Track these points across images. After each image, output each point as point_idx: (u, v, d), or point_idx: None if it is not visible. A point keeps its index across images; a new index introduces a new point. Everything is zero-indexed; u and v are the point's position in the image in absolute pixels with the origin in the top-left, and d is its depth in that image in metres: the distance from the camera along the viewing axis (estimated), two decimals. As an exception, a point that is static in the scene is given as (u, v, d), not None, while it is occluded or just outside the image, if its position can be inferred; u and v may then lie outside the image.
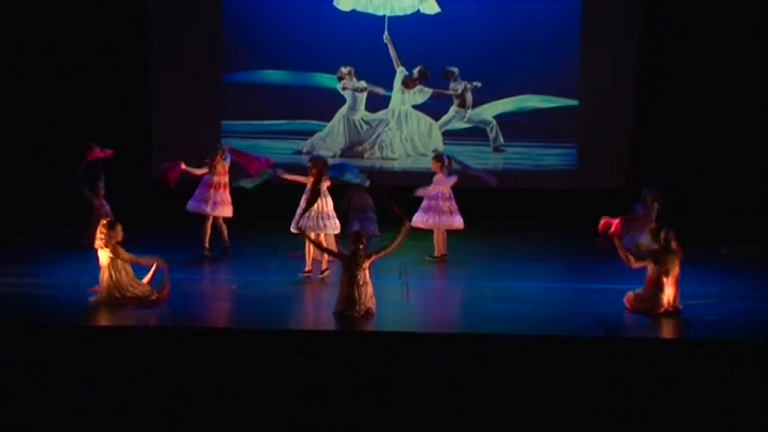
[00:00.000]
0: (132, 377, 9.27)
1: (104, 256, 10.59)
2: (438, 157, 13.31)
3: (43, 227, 14.66)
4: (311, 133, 16.23)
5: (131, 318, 10.35)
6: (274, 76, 16.10)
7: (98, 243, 10.61)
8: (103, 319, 10.35)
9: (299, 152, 16.14)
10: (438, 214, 13.09)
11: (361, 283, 10.34)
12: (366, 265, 10.39)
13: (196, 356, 9.46)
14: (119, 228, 10.66)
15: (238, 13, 15.90)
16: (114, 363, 9.40)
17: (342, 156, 16.05)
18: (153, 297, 10.69)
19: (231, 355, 9.51)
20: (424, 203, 13.16)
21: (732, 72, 15.40)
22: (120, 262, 10.58)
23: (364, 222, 14.05)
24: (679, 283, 10.59)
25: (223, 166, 13.06)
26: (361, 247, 10.44)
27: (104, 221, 10.81)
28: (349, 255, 10.48)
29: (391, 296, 11.37)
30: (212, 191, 12.95)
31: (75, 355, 9.46)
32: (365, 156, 16.08)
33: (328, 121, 16.21)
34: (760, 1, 15.20)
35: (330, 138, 16.20)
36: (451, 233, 13.34)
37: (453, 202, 13.17)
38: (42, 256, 12.97)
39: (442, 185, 13.04)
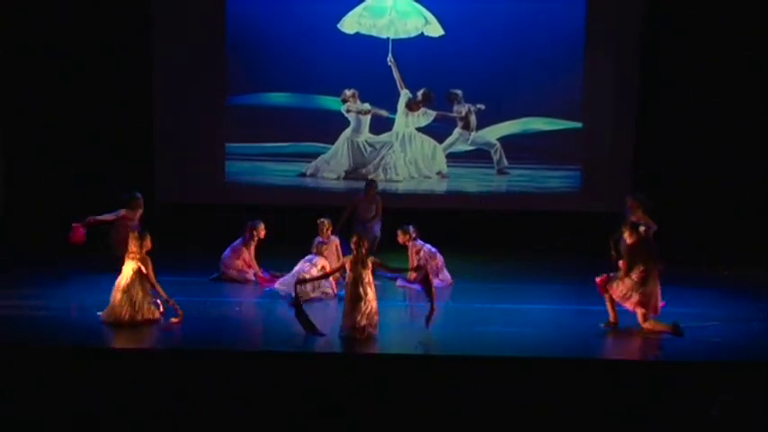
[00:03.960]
0: (135, 398, 9.26)
1: (130, 267, 10.68)
2: (403, 230, 13.21)
3: (45, 249, 14.72)
4: (315, 155, 16.27)
5: (135, 340, 10.36)
6: (278, 98, 16.15)
7: (129, 255, 10.73)
8: (107, 342, 10.34)
9: (303, 174, 16.18)
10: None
11: (366, 281, 10.49)
12: (370, 264, 10.54)
13: (198, 379, 9.46)
14: (148, 238, 10.86)
15: (242, 36, 15.96)
16: (118, 384, 9.39)
17: (345, 178, 16.09)
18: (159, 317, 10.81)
19: (234, 376, 9.50)
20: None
21: (735, 94, 15.42)
22: (139, 280, 10.63)
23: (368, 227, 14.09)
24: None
25: None
26: (364, 250, 10.59)
27: (135, 233, 10.95)
28: (353, 256, 10.61)
29: (395, 319, 11.37)
30: None
31: (79, 377, 9.46)
32: (369, 178, 16.11)
33: (332, 143, 16.25)
34: (762, 21, 15.22)
35: (334, 160, 16.23)
36: (457, 255, 13.40)
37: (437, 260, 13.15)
38: (44, 278, 12.99)
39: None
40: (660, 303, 10.83)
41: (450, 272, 13.27)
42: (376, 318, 10.50)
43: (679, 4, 15.43)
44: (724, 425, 9.07)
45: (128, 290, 10.70)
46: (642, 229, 10.89)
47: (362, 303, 10.45)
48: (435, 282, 12.69)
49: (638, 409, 9.24)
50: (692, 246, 14.86)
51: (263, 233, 13.13)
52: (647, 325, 10.75)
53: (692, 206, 15.37)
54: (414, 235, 13.13)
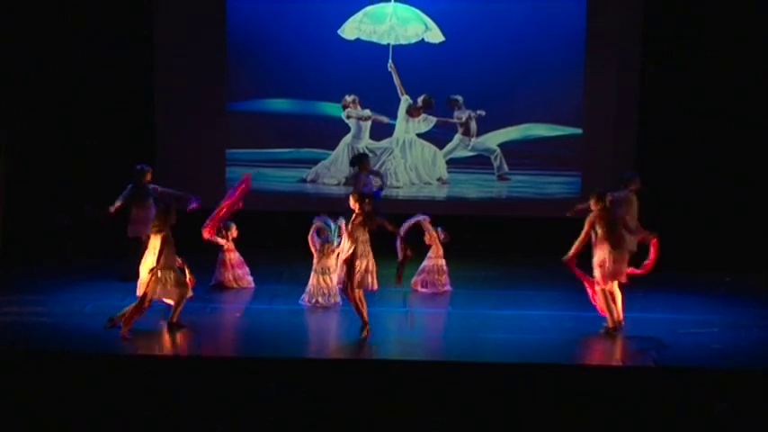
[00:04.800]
0: (135, 406, 9.26)
1: (155, 243, 10.66)
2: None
3: (46, 254, 14.74)
4: (315, 162, 16.25)
5: (135, 346, 10.36)
6: (279, 104, 16.14)
7: (153, 229, 10.74)
8: (107, 348, 10.34)
9: (304, 180, 16.18)
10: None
11: (367, 239, 10.57)
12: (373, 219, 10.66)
13: (198, 386, 9.46)
14: (173, 212, 10.84)
15: (243, 42, 15.95)
16: (119, 391, 9.40)
17: (346, 184, 16.08)
18: None
19: (234, 384, 9.50)
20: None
21: (737, 99, 15.40)
22: (165, 255, 10.63)
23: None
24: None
25: None
26: (367, 207, 10.63)
27: (160, 206, 11.14)
28: (355, 215, 10.63)
29: (395, 324, 11.37)
30: None
31: (80, 382, 9.46)
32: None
33: (333, 149, 16.23)
34: (763, 23, 15.22)
35: (334, 166, 16.23)
36: (458, 261, 13.53)
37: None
38: (45, 283, 13.00)
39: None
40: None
41: (450, 277, 13.27)
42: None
43: (680, 10, 15.42)
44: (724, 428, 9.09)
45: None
46: (609, 198, 11.00)
47: (367, 260, 10.50)
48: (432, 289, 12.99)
49: (638, 414, 9.24)
50: (692, 251, 14.85)
51: (235, 233, 13.16)
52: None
53: (693, 211, 15.35)
54: (442, 237, 13.24)
